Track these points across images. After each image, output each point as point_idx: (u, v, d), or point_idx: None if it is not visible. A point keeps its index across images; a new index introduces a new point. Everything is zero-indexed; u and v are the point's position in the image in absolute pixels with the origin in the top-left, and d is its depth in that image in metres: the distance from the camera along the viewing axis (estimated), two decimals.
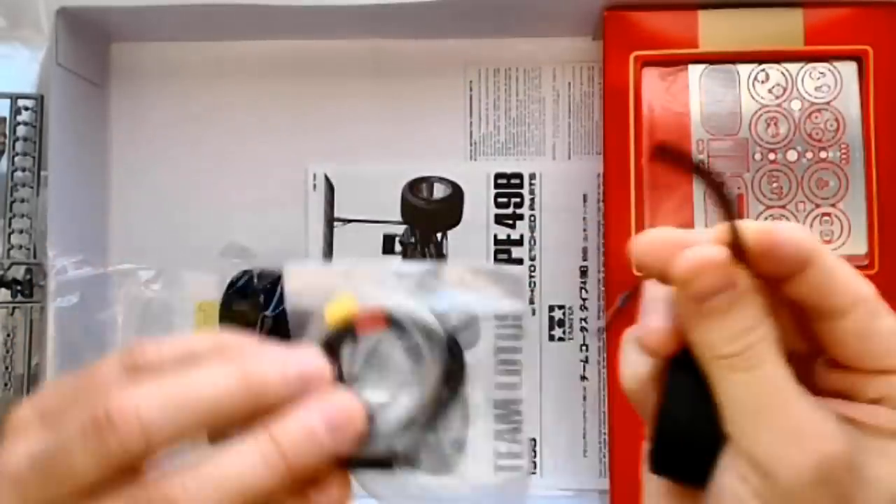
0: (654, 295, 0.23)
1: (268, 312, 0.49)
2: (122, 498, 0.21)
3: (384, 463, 0.23)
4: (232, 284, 0.50)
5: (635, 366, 0.24)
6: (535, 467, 0.52)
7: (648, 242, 0.22)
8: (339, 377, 0.24)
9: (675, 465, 0.23)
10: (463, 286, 0.25)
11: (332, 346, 0.24)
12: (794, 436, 0.21)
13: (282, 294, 0.49)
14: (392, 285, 0.25)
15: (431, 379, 0.24)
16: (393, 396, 0.24)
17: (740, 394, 0.21)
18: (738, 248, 0.21)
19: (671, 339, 0.22)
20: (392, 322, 0.24)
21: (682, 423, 0.22)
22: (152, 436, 0.21)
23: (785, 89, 0.47)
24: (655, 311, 0.23)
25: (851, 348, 0.22)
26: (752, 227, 0.21)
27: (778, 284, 0.22)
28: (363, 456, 0.23)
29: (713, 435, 0.22)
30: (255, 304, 0.49)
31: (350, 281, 0.25)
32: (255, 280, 0.50)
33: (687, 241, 0.22)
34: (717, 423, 0.22)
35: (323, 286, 0.25)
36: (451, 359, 0.24)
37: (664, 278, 0.22)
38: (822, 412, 0.21)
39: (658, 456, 0.23)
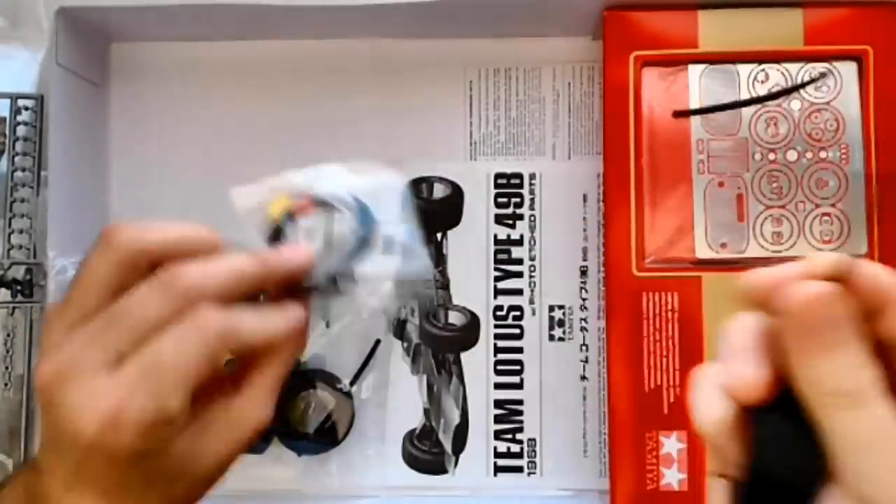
0: (737, 338, 0.23)
1: None
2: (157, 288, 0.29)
3: (331, 287, 0.34)
4: None
5: (716, 410, 0.23)
6: (535, 467, 0.52)
7: (759, 276, 0.23)
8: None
9: None
10: (363, 177, 0.39)
11: (280, 231, 0.35)
12: None
13: None
14: (315, 181, 0.37)
15: (352, 234, 0.35)
16: (329, 250, 0.35)
17: (851, 431, 0.21)
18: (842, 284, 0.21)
19: (767, 386, 0.22)
20: (319, 203, 0.36)
21: (778, 463, 0.22)
22: (206, 291, 0.30)
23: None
24: (741, 355, 0.23)
25: None
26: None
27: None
28: (315, 283, 0.34)
29: (810, 476, 0.22)
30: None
31: (285, 184, 0.37)
32: None
33: (796, 276, 0.22)
34: (815, 464, 0.21)
35: (265, 194, 0.36)
36: (362, 217, 0.36)
37: (773, 312, 0.22)
38: None
39: (752, 497, 0.23)
